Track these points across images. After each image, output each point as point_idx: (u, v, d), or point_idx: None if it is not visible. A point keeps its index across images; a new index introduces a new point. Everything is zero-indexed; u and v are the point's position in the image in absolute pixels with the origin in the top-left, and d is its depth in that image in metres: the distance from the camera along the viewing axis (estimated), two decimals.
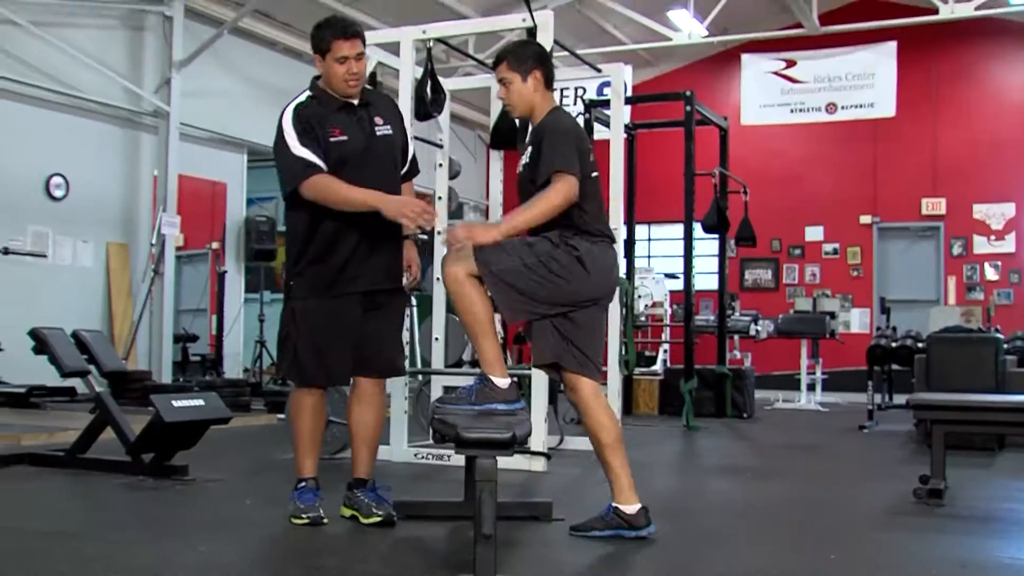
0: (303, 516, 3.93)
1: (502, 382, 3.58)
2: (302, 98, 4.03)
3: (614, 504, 3.80)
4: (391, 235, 4.07)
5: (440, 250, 6.58)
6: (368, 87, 4.21)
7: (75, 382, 7.44)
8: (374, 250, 3.99)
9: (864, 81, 12.87)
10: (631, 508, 3.77)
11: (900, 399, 9.69)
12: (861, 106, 12.95)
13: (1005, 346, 7.86)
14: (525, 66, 3.88)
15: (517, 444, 3.19)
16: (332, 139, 3.93)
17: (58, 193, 9.86)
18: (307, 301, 3.98)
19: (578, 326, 3.75)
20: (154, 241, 10.39)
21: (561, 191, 3.61)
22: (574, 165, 3.66)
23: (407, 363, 6.14)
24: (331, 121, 3.96)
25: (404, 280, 4.21)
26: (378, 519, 3.94)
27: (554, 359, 3.78)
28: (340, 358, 4.00)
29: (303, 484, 4.04)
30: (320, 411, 4.11)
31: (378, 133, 4.05)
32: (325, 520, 3.92)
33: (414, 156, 4.33)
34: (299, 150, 3.89)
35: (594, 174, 3.82)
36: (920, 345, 8.60)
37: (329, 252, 3.94)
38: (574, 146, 3.72)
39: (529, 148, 3.83)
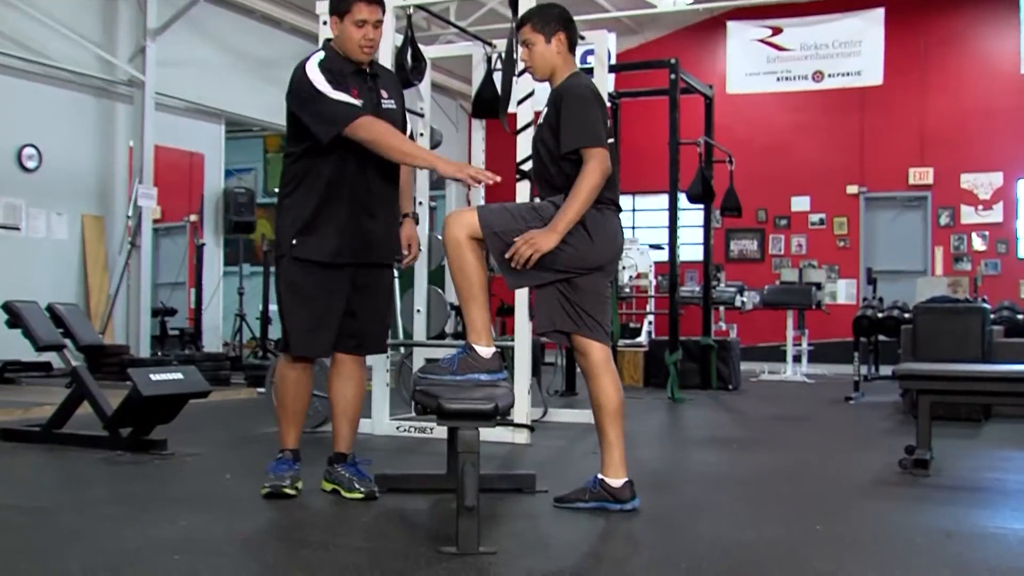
0: (266, 485, 3.95)
1: (486, 351, 3.57)
2: (320, 56, 3.97)
3: (600, 476, 3.82)
4: (388, 208, 4.07)
5: (422, 225, 6.56)
6: (376, 62, 4.18)
7: (51, 356, 7.44)
8: (370, 222, 3.97)
9: (851, 49, 12.84)
10: (617, 481, 3.79)
11: (886, 370, 9.78)
12: (848, 74, 12.93)
13: (992, 316, 7.91)
14: (549, 27, 3.86)
15: (500, 415, 3.20)
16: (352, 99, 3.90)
17: (30, 164, 9.78)
18: (296, 267, 3.96)
19: (583, 291, 3.76)
20: (130, 213, 10.34)
21: (598, 169, 3.63)
22: (602, 138, 3.68)
23: (389, 335, 6.16)
24: (351, 80, 3.93)
25: (403, 257, 4.21)
26: (360, 495, 3.95)
27: (560, 326, 3.79)
28: (328, 328, 3.99)
29: (280, 455, 4.06)
30: (306, 383, 4.11)
31: (384, 106, 4.03)
32: (288, 491, 3.93)
33: (411, 134, 4.31)
34: (336, 94, 3.82)
35: (610, 140, 3.81)
36: (907, 316, 8.65)
37: (324, 222, 3.91)
38: (599, 116, 3.73)
39: (546, 109, 3.83)
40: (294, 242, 3.95)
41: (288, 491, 3.94)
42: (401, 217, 4.21)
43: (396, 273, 7.32)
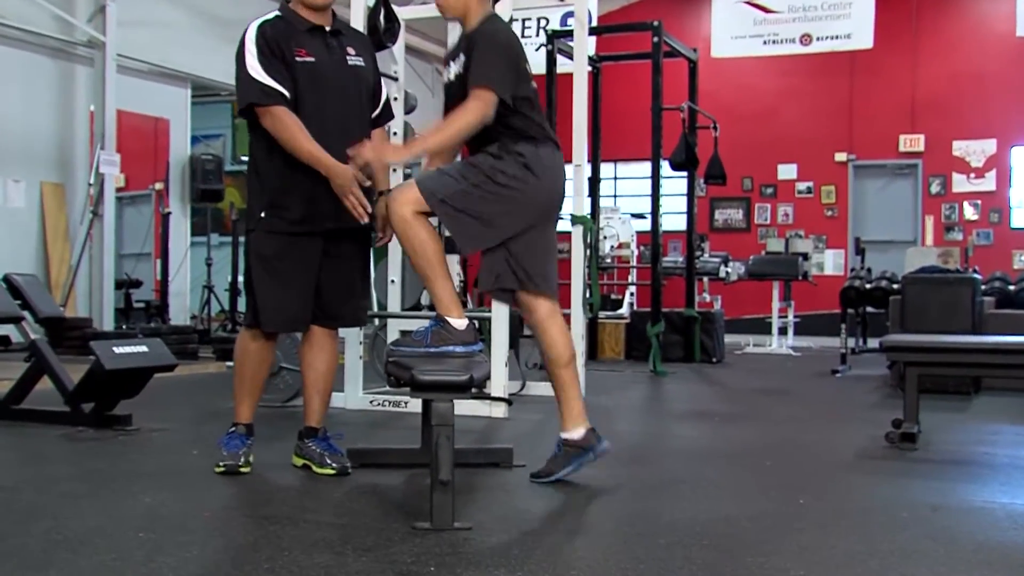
0: (220, 464, 3.94)
1: (459, 323, 3.57)
2: (269, 16, 3.96)
3: (562, 436, 3.83)
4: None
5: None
6: (342, 21, 4.13)
7: (8, 329, 7.39)
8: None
9: (841, 11, 12.83)
10: (578, 432, 3.80)
11: (874, 343, 9.84)
12: (837, 37, 12.92)
13: (983, 287, 7.97)
14: None
15: (475, 386, 3.21)
16: (298, 59, 3.86)
17: None
18: (267, 238, 3.94)
19: (527, 245, 3.74)
20: (92, 181, 10.24)
21: (477, 109, 3.54)
22: (503, 84, 3.59)
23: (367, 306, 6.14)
24: (298, 41, 3.89)
25: (378, 238, 4.16)
26: (332, 471, 3.96)
27: (505, 283, 3.76)
28: (300, 302, 3.97)
29: (233, 429, 4.05)
30: (266, 355, 4.10)
31: (350, 62, 4.00)
32: (243, 469, 3.93)
33: (388, 100, 4.25)
34: (257, 72, 3.81)
35: (532, 83, 3.77)
36: (895, 287, 8.71)
37: (292, 185, 3.87)
38: (511, 64, 3.66)
39: (460, 56, 3.73)
40: (263, 214, 3.93)
41: (243, 469, 3.94)
42: (377, 195, 4.15)
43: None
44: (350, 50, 4.02)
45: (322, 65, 3.91)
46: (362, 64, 4.05)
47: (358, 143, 3.76)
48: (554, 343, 3.84)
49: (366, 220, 3.80)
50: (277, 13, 3.98)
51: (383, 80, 4.30)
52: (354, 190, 3.76)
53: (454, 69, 3.78)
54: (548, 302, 3.83)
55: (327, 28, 3.99)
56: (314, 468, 4.00)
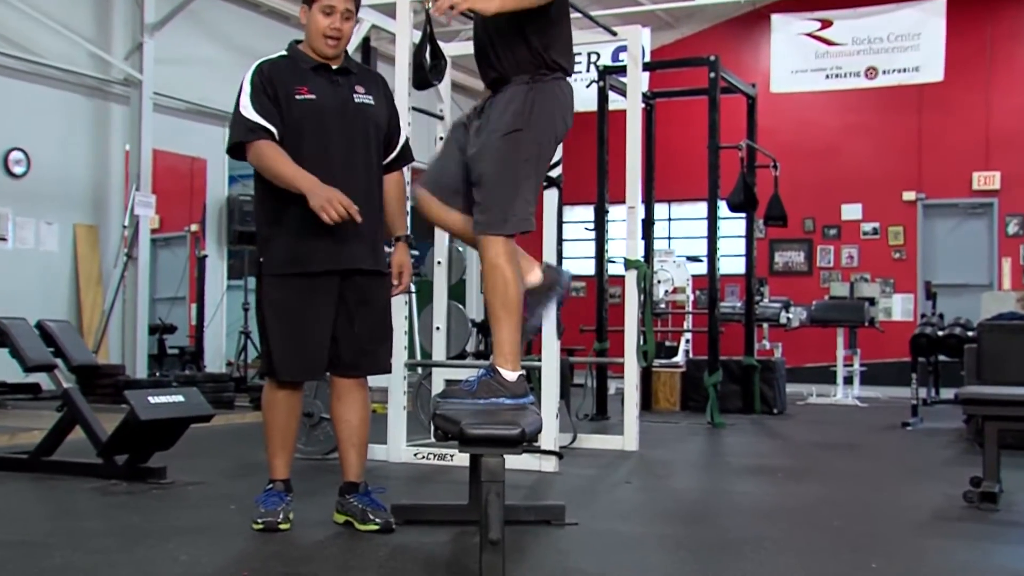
0: (259, 521, 3.95)
1: (511, 375, 3.55)
2: (274, 55, 4.07)
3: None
4: (372, 210, 4.03)
5: (440, 236, 6.57)
6: (354, 60, 4.20)
7: (40, 377, 7.49)
8: (348, 227, 3.88)
9: (909, 42, 12.79)
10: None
11: (948, 393, 9.71)
12: (905, 70, 12.86)
13: None
14: None
15: (526, 441, 3.19)
16: (297, 96, 3.93)
17: (18, 170, 9.87)
18: (278, 280, 3.98)
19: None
20: (127, 223, 10.41)
21: None
22: None
23: (406, 354, 6.17)
24: (300, 79, 3.97)
25: (392, 287, 4.18)
26: (375, 527, 3.96)
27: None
28: (315, 347, 3.99)
29: (270, 487, 4.07)
30: (293, 406, 4.11)
31: (356, 100, 4.05)
32: (282, 527, 3.94)
33: (407, 143, 4.29)
34: (247, 110, 3.91)
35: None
36: (970, 334, 8.58)
37: (301, 224, 3.89)
38: None
39: None
40: (270, 258, 3.98)
41: (283, 526, 3.95)
42: (394, 240, 4.20)
43: (413, 288, 7.36)
44: (359, 88, 4.07)
45: (324, 102, 3.96)
46: (371, 103, 4.08)
47: (365, 185, 3.93)
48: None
49: (359, 220, 3.81)
50: (283, 52, 4.08)
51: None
52: (332, 201, 3.74)
53: None
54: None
55: (334, 67, 4.05)
56: (356, 525, 4.00)
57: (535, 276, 3.82)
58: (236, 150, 3.98)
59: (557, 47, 3.73)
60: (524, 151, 3.63)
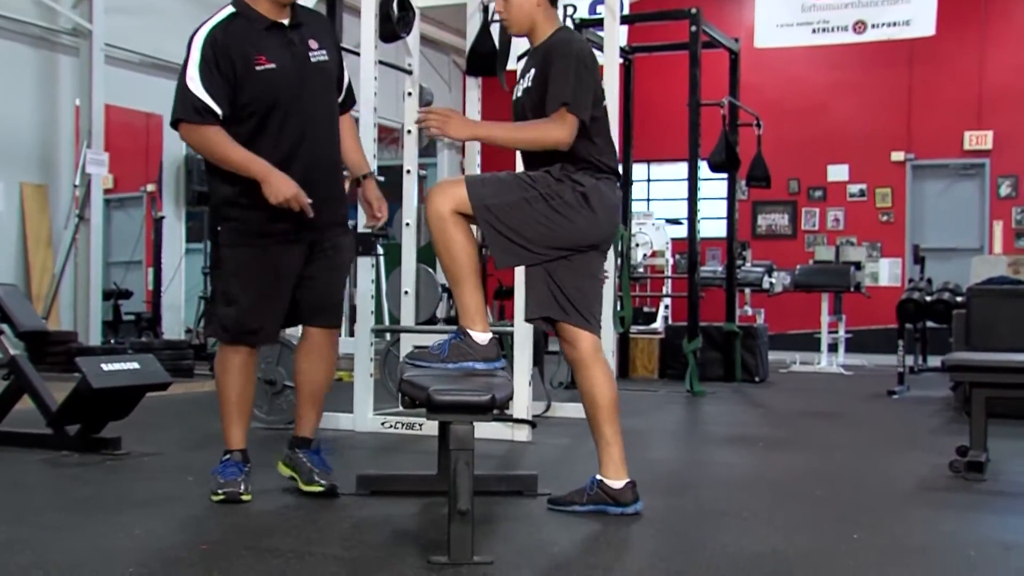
0: (219, 492, 3.95)
1: (481, 337, 3.60)
2: (222, 15, 3.99)
3: (599, 477, 3.85)
4: (331, 170, 4.10)
5: (410, 192, 6.57)
6: (299, 5, 4.14)
7: None
8: (313, 189, 3.93)
9: None
10: (618, 483, 3.82)
11: (935, 361, 9.77)
12: (895, 24, 12.85)
13: None
14: None
15: (497, 408, 3.20)
16: (258, 67, 3.91)
17: None
18: (236, 249, 4.00)
19: (576, 273, 3.78)
20: (78, 182, 10.30)
21: (560, 131, 3.64)
22: (583, 106, 3.68)
23: (373, 319, 6.17)
24: (257, 44, 3.93)
25: (367, 220, 4.28)
26: (319, 488, 4.01)
27: (548, 312, 3.80)
28: (272, 313, 4.04)
29: (227, 456, 4.07)
30: (249, 372, 4.13)
31: (313, 59, 4.05)
32: (244, 497, 3.95)
33: (350, 85, 4.33)
34: (195, 84, 3.89)
35: (604, 103, 3.86)
36: (959, 299, 8.65)
37: (250, 190, 3.90)
38: (590, 83, 3.74)
39: (532, 71, 3.82)
40: (227, 221, 4.00)
41: (244, 497, 3.96)
42: (362, 179, 4.29)
43: (381, 251, 7.34)
44: (312, 44, 4.06)
45: (285, 69, 3.95)
46: (325, 58, 4.09)
47: (328, 146, 4.01)
48: (597, 383, 3.85)
49: (311, 215, 3.88)
50: (232, 10, 4.00)
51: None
52: (290, 203, 3.81)
53: (523, 84, 3.86)
54: (592, 338, 3.84)
55: (286, 22, 4.02)
56: (300, 484, 4.07)
57: (618, 484, 3.84)
58: (178, 126, 3.97)
59: (610, 152, 3.88)
60: (528, 190, 3.68)
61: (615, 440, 3.87)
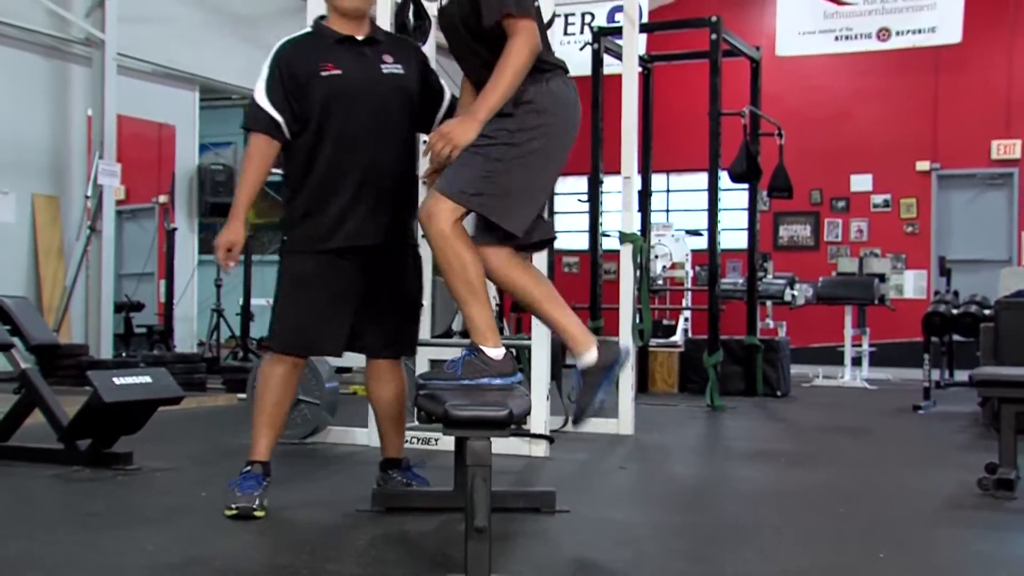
0: (232, 507, 3.97)
1: (495, 353, 3.57)
2: (299, 32, 4.22)
3: (577, 366, 3.73)
4: (401, 183, 4.16)
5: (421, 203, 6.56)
6: (383, 30, 4.36)
7: None
8: (379, 200, 4.07)
9: (924, 1, 12.74)
10: (590, 355, 3.69)
11: (962, 376, 9.73)
12: (920, 31, 12.82)
13: None
14: None
15: (514, 423, 3.20)
16: (323, 73, 4.03)
17: None
18: (297, 256, 4.14)
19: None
20: (90, 193, 10.36)
21: (527, 44, 3.54)
22: (528, 5, 3.59)
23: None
24: (325, 55, 4.07)
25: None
26: None
27: (547, 234, 3.85)
28: (329, 325, 4.13)
29: (248, 468, 4.10)
30: (290, 384, 4.19)
31: (385, 71, 4.13)
32: (257, 513, 3.96)
33: (453, 99, 4.29)
34: (260, 96, 4.07)
35: (536, 3, 3.74)
36: (987, 312, 8.61)
37: (324, 199, 4.04)
38: None
39: None
40: (292, 231, 4.15)
41: (257, 513, 3.98)
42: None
43: None
44: (387, 58, 4.16)
45: (350, 76, 4.06)
46: (400, 71, 4.16)
47: (396, 157, 4.04)
48: (531, 284, 3.75)
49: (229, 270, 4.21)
50: (308, 30, 4.22)
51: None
52: (219, 250, 4.04)
53: None
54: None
55: (359, 38, 4.13)
56: None
57: (591, 355, 3.74)
58: (244, 130, 4.20)
59: (544, 44, 3.71)
60: (508, 134, 3.57)
61: (568, 317, 3.74)
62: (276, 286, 4.20)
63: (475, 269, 3.58)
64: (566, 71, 3.77)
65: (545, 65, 3.67)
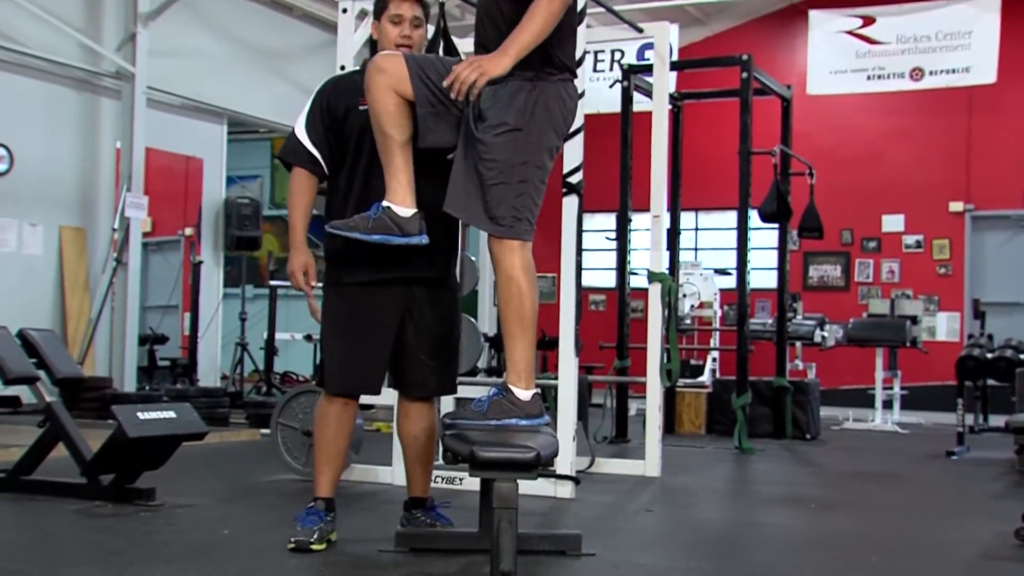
0: (292, 540, 4.03)
1: (524, 394, 3.56)
2: (346, 71, 4.45)
3: (385, 203, 3.79)
4: (437, 217, 4.06)
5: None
6: None
7: (21, 390, 7.50)
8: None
9: (958, 41, 12.74)
10: (406, 211, 3.77)
11: (997, 421, 9.66)
12: (954, 71, 12.81)
13: None
14: None
15: (541, 465, 3.19)
16: (361, 107, 4.08)
17: (0, 167, 9.90)
18: (336, 290, 4.20)
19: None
20: (116, 225, 10.44)
21: None
22: None
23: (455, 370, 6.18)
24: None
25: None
26: None
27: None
28: (370, 360, 4.16)
29: (311, 504, 4.18)
30: (343, 419, 4.23)
31: None
32: (315, 547, 3.99)
33: None
34: (300, 130, 4.21)
35: None
36: (1022, 357, 8.55)
37: (348, 238, 4.01)
38: None
39: None
40: (331, 264, 4.22)
41: (315, 547, 4.02)
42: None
43: None
44: None
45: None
46: None
47: (432, 191, 3.91)
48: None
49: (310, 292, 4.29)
50: (357, 68, 4.40)
51: None
52: (294, 276, 4.22)
53: None
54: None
55: None
56: None
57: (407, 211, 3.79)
58: (283, 163, 4.36)
59: (566, 47, 3.72)
60: (524, 153, 3.60)
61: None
62: (322, 319, 4.28)
63: (531, 304, 3.60)
64: (575, 76, 3.80)
65: (560, 64, 3.69)
